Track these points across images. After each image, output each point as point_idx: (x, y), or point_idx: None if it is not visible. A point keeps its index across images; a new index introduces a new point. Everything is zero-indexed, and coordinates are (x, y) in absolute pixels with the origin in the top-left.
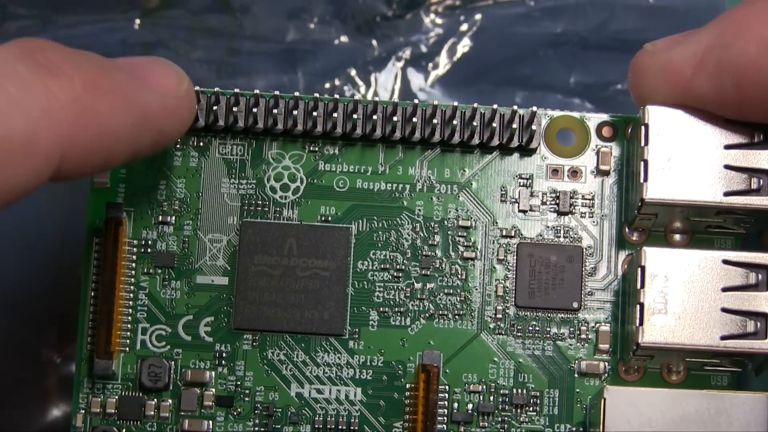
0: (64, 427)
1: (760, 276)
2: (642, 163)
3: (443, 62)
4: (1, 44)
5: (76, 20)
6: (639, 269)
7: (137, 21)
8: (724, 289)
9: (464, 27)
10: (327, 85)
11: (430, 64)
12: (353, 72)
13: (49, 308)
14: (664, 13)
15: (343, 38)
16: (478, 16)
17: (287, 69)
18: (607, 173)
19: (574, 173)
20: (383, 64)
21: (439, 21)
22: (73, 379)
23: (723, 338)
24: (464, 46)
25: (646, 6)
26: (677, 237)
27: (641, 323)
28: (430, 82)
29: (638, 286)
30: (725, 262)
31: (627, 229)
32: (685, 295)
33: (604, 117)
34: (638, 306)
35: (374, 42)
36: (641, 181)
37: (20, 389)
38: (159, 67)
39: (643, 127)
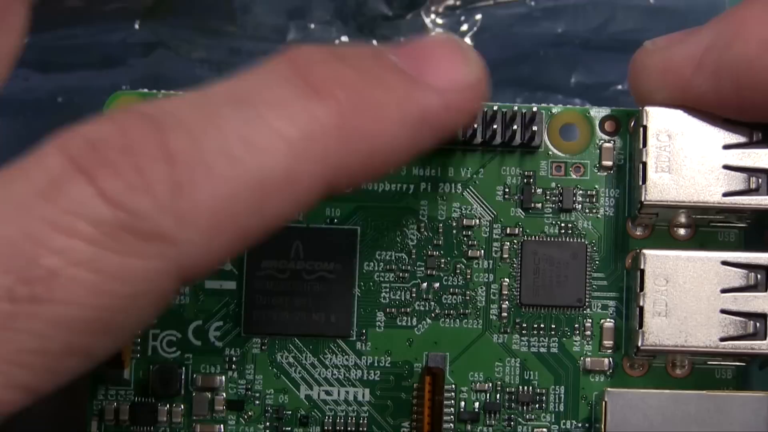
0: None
1: (758, 276)
2: (640, 165)
3: None
4: (274, 57)
5: (77, 20)
6: (638, 272)
7: (137, 21)
8: (724, 291)
9: (464, 27)
10: None
11: None
12: None
13: None
14: (665, 13)
15: (344, 38)
16: (478, 17)
17: None
18: (610, 168)
19: (578, 169)
20: None
21: (439, 21)
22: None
23: (722, 339)
24: None
25: (646, 6)
26: (681, 231)
27: (641, 326)
28: None
29: (638, 290)
30: (724, 263)
31: (630, 225)
32: (684, 298)
33: (606, 111)
34: (638, 309)
35: (375, 42)
36: (639, 183)
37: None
38: (442, 53)
39: (641, 129)
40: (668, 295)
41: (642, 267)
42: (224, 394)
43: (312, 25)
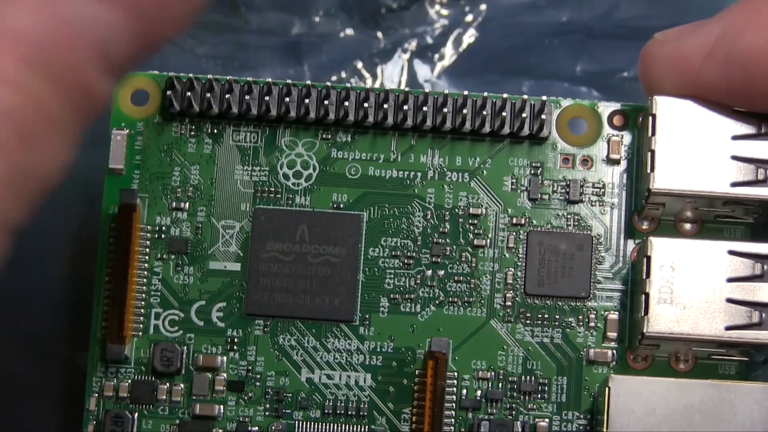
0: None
1: (765, 266)
2: (649, 153)
3: (449, 53)
4: None
5: None
6: (645, 259)
7: None
8: (729, 280)
9: (469, 17)
10: (333, 78)
11: (436, 55)
12: (359, 64)
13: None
14: (669, 0)
15: (349, 31)
16: (482, 7)
17: (293, 62)
18: (617, 162)
19: (585, 162)
20: (389, 56)
21: (444, 12)
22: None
23: (727, 328)
24: (470, 36)
25: None
26: (687, 226)
27: (646, 313)
28: (437, 73)
29: (644, 276)
30: (731, 252)
31: (637, 218)
32: (690, 286)
33: (615, 106)
34: (643, 296)
35: (379, 34)
36: (648, 171)
37: (32, 386)
38: None
39: (650, 118)
40: (674, 282)
41: (648, 254)
42: (225, 375)
43: (316, 19)
